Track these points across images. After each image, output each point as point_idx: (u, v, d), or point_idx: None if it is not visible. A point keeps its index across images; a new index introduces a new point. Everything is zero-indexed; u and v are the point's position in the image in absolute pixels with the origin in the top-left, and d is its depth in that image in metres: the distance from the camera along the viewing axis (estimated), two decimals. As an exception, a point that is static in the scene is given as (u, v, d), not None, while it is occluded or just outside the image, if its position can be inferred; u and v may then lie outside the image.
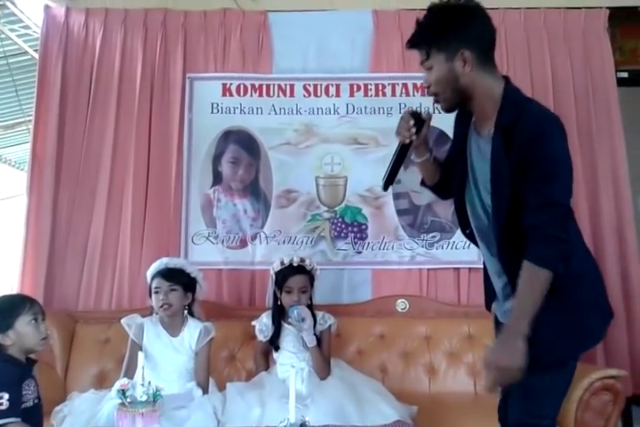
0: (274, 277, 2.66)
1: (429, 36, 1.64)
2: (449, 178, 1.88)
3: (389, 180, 1.81)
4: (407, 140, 1.76)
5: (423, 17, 1.67)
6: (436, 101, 1.72)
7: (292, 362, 2.50)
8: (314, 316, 2.57)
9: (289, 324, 2.59)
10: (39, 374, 1.97)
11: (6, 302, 1.94)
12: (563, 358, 1.64)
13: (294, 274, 2.58)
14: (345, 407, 2.14)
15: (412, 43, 1.69)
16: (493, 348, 1.56)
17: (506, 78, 1.70)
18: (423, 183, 1.98)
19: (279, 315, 2.62)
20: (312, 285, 2.64)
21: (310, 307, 2.60)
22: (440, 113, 1.83)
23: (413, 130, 1.74)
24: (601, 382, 2.34)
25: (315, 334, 2.52)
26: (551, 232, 1.53)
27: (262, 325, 2.63)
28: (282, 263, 2.63)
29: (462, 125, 1.80)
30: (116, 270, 3.12)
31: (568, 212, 1.58)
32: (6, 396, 1.71)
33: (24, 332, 1.84)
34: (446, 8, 1.64)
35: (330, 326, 2.61)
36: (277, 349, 2.58)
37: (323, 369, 2.45)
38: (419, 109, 1.81)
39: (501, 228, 1.66)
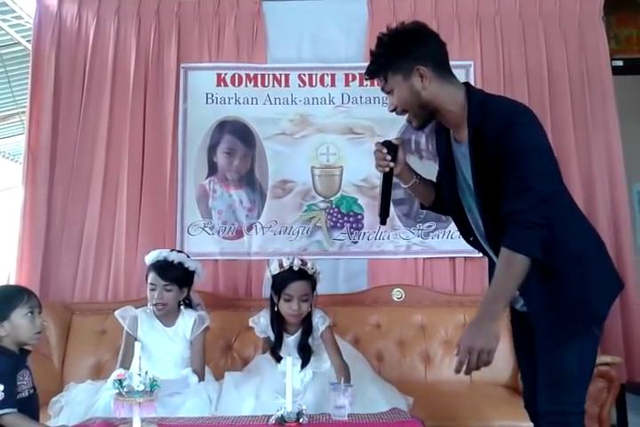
0: (270, 280, 2.43)
1: (382, 61, 1.70)
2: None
3: (384, 212, 1.84)
4: (387, 169, 1.79)
5: (374, 46, 1.73)
6: (409, 121, 1.77)
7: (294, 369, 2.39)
8: (310, 327, 2.38)
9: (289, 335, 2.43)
10: (36, 365, 1.97)
11: (3, 292, 1.93)
12: (567, 338, 1.66)
13: (294, 280, 2.34)
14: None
15: (370, 72, 1.76)
16: (467, 331, 1.58)
17: (467, 84, 1.76)
18: (422, 206, 2.03)
19: (278, 323, 2.42)
20: (314, 290, 2.42)
21: (309, 314, 2.40)
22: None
23: (389, 157, 1.77)
24: (596, 368, 2.34)
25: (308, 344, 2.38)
26: (527, 218, 1.55)
27: (261, 326, 2.49)
28: (280, 266, 2.39)
29: (444, 141, 1.84)
30: (111, 262, 3.12)
31: (546, 196, 1.59)
32: (1, 387, 1.71)
33: (19, 324, 1.83)
34: (392, 34, 1.70)
35: (329, 326, 2.41)
36: (279, 360, 2.39)
37: (347, 377, 2.25)
38: (389, 139, 1.85)
39: (492, 226, 1.69)
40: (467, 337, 1.55)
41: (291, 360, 1.95)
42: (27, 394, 1.81)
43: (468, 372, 1.54)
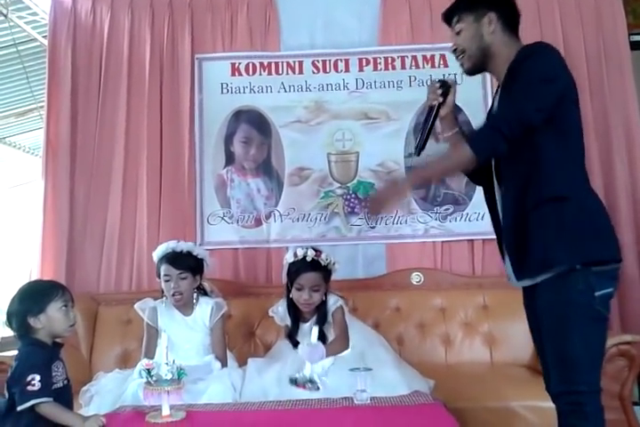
0: (286, 267, 2.50)
1: (462, 2, 1.89)
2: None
3: (421, 145, 1.90)
4: (435, 103, 1.90)
5: None
6: (462, 62, 1.90)
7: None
8: (325, 315, 2.45)
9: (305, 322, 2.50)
10: (64, 355, 2.03)
11: (40, 287, 2.00)
12: (567, 315, 1.69)
13: (307, 271, 2.40)
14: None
15: (447, 11, 1.92)
16: (383, 184, 1.84)
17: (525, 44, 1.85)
18: (474, 180, 2.07)
19: (294, 310, 2.50)
20: (328, 281, 2.47)
21: (324, 303, 2.46)
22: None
23: (439, 91, 1.89)
24: (616, 347, 2.37)
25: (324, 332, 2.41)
26: (495, 123, 1.71)
27: (279, 314, 2.55)
28: (295, 255, 2.45)
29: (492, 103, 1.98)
30: (134, 253, 3.18)
31: (530, 119, 1.68)
32: (37, 377, 1.77)
33: (54, 317, 1.90)
34: None
35: (340, 307, 2.47)
36: (296, 345, 2.43)
37: (340, 351, 2.36)
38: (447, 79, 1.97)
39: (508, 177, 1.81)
40: (381, 190, 1.85)
41: (316, 330, 2.01)
42: (61, 385, 1.87)
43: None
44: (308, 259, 2.43)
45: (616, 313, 2.99)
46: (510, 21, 1.87)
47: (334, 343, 2.40)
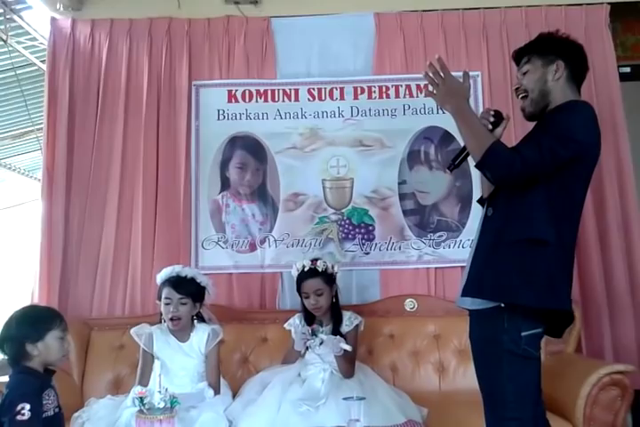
0: (295, 281, 2.70)
1: (536, 46, 1.96)
2: None
3: (457, 163, 1.95)
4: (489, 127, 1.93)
5: (542, 34, 2.00)
6: (524, 105, 1.95)
7: (316, 362, 2.53)
8: (340, 316, 2.61)
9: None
10: (56, 380, 2.01)
11: (41, 313, 1.99)
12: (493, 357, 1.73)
13: (306, 278, 2.61)
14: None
15: (519, 50, 2.00)
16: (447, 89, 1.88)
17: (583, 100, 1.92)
18: (480, 200, 2.10)
19: (307, 318, 2.64)
20: (331, 283, 2.64)
21: (336, 306, 2.64)
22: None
23: (492, 119, 1.93)
24: (609, 377, 2.37)
25: (343, 335, 2.54)
26: (517, 157, 1.73)
27: (295, 326, 2.66)
28: (297, 269, 2.67)
29: None
30: (128, 277, 3.17)
31: (535, 165, 1.73)
32: (27, 406, 1.76)
33: (51, 346, 1.89)
34: (554, 34, 1.97)
35: (356, 326, 2.63)
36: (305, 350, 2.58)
37: (347, 370, 2.47)
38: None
39: None
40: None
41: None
42: (52, 413, 1.86)
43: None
44: (306, 268, 2.63)
45: (609, 343, 3.01)
46: (576, 74, 1.93)
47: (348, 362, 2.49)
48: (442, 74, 1.88)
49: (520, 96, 1.95)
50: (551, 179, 1.76)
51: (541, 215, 1.75)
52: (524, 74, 1.94)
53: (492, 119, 1.92)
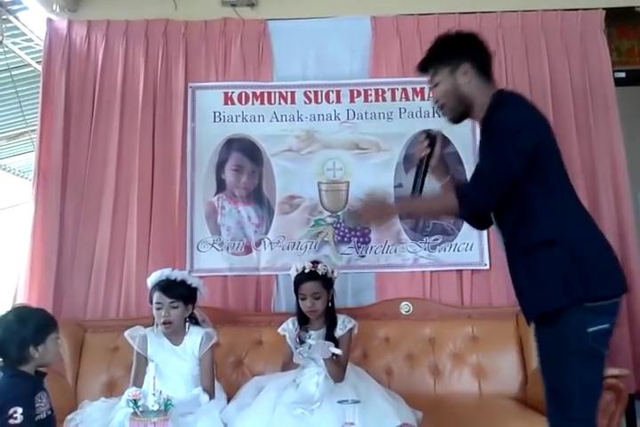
0: (292, 280, 2.69)
1: (436, 56, 1.93)
2: None
3: (416, 189, 1.94)
4: (423, 154, 1.95)
5: (431, 44, 1.96)
6: (444, 114, 1.96)
7: (311, 366, 2.51)
8: (334, 320, 2.60)
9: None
10: (50, 382, 2.01)
11: (42, 318, 1.98)
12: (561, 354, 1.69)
13: (306, 281, 2.59)
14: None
15: (422, 65, 1.96)
16: (371, 198, 1.89)
17: (499, 89, 1.91)
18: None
19: (303, 319, 2.63)
20: (329, 288, 2.64)
21: (331, 310, 2.63)
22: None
23: (425, 143, 1.94)
24: (604, 381, 2.37)
25: (336, 338, 2.54)
26: (486, 180, 1.74)
27: (289, 331, 2.65)
28: (296, 269, 2.65)
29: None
30: (122, 279, 3.16)
31: (513, 172, 1.73)
32: (20, 410, 1.75)
33: (50, 349, 1.90)
34: (448, 36, 1.94)
35: (350, 329, 2.61)
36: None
37: (336, 374, 2.44)
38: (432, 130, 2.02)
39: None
40: (367, 209, 1.90)
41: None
42: (44, 416, 1.85)
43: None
44: (306, 270, 2.61)
45: (603, 346, 3.01)
46: (484, 67, 1.91)
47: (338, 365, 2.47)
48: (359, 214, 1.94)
49: (440, 110, 1.95)
50: (529, 180, 1.75)
51: (540, 215, 1.75)
52: (436, 86, 1.93)
53: (426, 144, 1.94)
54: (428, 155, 1.94)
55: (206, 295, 2.67)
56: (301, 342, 2.52)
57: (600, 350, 1.71)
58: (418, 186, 1.92)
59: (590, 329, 1.68)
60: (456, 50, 1.90)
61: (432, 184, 2.01)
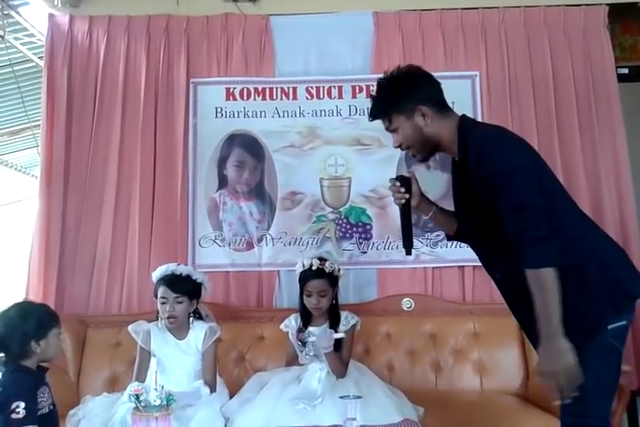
0: (298, 276, 2.69)
1: (385, 104, 1.83)
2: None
3: (408, 243, 1.93)
4: (403, 201, 1.89)
5: (375, 91, 1.88)
6: (413, 155, 1.90)
7: (313, 362, 2.52)
8: (337, 317, 2.60)
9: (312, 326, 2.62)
10: (52, 378, 2.01)
11: (44, 313, 1.98)
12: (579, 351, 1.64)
13: (313, 278, 2.59)
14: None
15: (373, 115, 1.88)
16: (541, 359, 1.62)
17: (462, 117, 1.85)
18: (448, 237, 2.12)
19: (306, 315, 2.63)
20: (335, 285, 2.64)
21: (334, 307, 2.63)
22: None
23: (403, 190, 1.88)
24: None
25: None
26: (532, 235, 1.61)
27: (291, 328, 2.65)
28: (303, 265, 2.64)
29: (453, 170, 1.94)
30: (124, 275, 3.16)
31: (541, 208, 1.64)
32: (22, 405, 1.75)
33: (52, 344, 1.90)
34: (391, 78, 1.85)
35: (353, 326, 2.62)
36: (304, 344, 2.58)
37: (338, 369, 2.46)
38: (401, 174, 1.98)
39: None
40: (544, 364, 1.60)
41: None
42: (47, 410, 1.85)
43: (563, 396, 1.58)
44: (314, 267, 2.60)
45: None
46: (439, 102, 1.83)
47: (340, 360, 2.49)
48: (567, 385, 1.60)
49: (406, 151, 1.90)
50: None
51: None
52: (395, 131, 1.84)
53: (402, 190, 1.87)
54: (407, 200, 1.88)
55: (210, 290, 2.67)
56: (303, 343, 2.53)
57: (618, 346, 1.69)
58: (408, 234, 1.91)
59: (610, 326, 1.66)
60: (405, 94, 1.80)
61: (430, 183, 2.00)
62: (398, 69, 1.85)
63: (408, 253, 1.95)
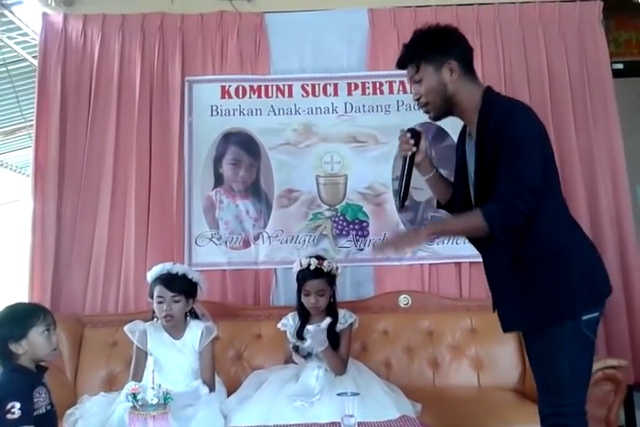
0: (295, 275, 2.67)
1: (418, 51, 1.86)
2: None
3: (404, 197, 1.93)
4: (409, 153, 1.92)
5: (409, 40, 1.91)
6: (426, 111, 1.90)
7: (311, 360, 2.53)
8: (335, 315, 2.60)
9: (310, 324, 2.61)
10: (49, 378, 2.00)
11: (21, 311, 1.95)
12: (552, 340, 1.72)
13: (311, 278, 2.58)
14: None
15: (402, 62, 1.90)
16: (400, 232, 1.82)
17: (488, 87, 1.87)
18: (439, 205, 2.11)
19: (304, 313, 2.63)
20: (333, 284, 2.64)
21: (332, 305, 2.63)
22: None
23: (412, 141, 1.91)
24: (602, 372, 2.38)
25: (337, 332, 2.56)
26: (513, 203, 1.66)
27: (289, 327, 2.65)
28: (300, 264, 2.63)
29: (460, 142, 1.98)
30: (121, 274, 3.15)
31: (536, 186, 1.69)
32: (18, 405, 1.74)
33: (36, 342, 1.87)
34: (429, 30, 1.88)
35: (350, 324, 2.61)
36: (298, 348, 2.58)
37: (336, 367, 2.46)
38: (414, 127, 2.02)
39: None
40: (397, 238, 1.84)
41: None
42: (44, 411, 1.84)
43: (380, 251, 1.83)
44: (312, 267, 2.59)
45: (602, 338, 3.01)
46: (468, 63, 1.86)
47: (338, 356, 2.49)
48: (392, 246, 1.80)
49: (421, 105, 1.89)
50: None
51: (544, 227, 1.74)
52: (419, 82, 1.85)
53: (412, 142, 1.91)
54: (414, 153, 1.92)
55: (206, 289, 2.66)
56: (303, 353, 2.53)
57: (591, 336, 1.75)
58: (405, 187, 1.91)
59: (584, 317, 1.72)
60: (440, 46, 1.83)
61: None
62: (437, 24, 1.88)
63: (401, 206, 1.96)
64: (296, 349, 2.55)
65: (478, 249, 1.94)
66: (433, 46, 1.84)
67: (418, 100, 1.88)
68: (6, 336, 1.85)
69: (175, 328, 2.52)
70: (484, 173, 1.79)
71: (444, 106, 1.85)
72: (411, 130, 1.95)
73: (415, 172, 1.98)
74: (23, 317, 1.90)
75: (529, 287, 1.75)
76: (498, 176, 1.71)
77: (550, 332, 1.73)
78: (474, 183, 1.85)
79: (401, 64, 1.90)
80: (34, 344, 1.86)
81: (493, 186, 1.73)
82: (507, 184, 1.68)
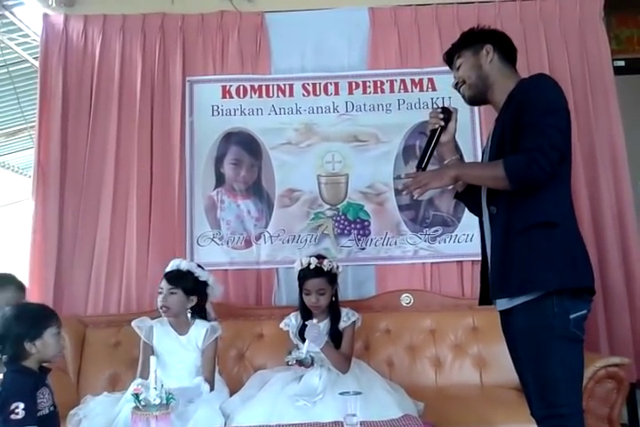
0: (296, 274, 2.67)
1: (460, 43, 1.99)
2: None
3: (424, 164, 1.92)
4: (437, 126, 1.96)
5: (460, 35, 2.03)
6: (464, 92, 1.97)
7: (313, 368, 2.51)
8: (338, 314, 2.60)
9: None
10: (52, 378, 2.00)
11: (38, 311, 1.97)
12: (543, 342, 1.71)
13: (312, 277, 2.58)
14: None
15: (448, 52, 2.02)
16: (426, 172, 1.86)
17: (524, 78, 1.90)
18: (457, 195, 2.12)
19: (303, 313, 2.63)
20: (334, 283, 2.64)
21: (334, 304, 2.63)
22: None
23: (441, 116, 1.96)
24: (605, 370, 2.38)
25: (339, 330, 2.56)
26: (534, 155, 1.68)
27: (292, 327, 2.65)
28: (301, 263, 2.64)
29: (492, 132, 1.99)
30: (123, 274, 3.16)
31: (560, 145, 1.71)
32: (22, 405, 1.75)
33: (49, 343, 1.89)
34: (472, 28, 2.02)
35: (353, 322, 2.61)
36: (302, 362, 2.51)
37: (339, 364, 2.45)
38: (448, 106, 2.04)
39: None
40: (426, 178, 1.83)
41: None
42: (47, 411, 1.85)
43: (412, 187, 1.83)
44: (312, 266, 2.59)
45: (604, 336, 3.02)
46: (507, 54, 1.95)
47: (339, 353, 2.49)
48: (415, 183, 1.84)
49: (460, 87, 1.97)
50: None
51: (548, 197, 1.75)
52: (458, 68, 1.97)
53: (441, 116, 1.96)
54: (440, 128, 1.96)
55: (219, 292, 2.70)
56: (303, 338, 2.51)
57: (580, 334, 1.74)
58: (426, 158, 1.92)
59: (572, 315, 1.72)
60: (480, 36, 1.96)
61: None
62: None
63: (418, 168, 1.95)
64: (300, 363, 2.45)
65: (476, 214, 2.00)
66: (474, 36, 1.97)
67: (456, 84, 1.98)
68: (23, 334, 1.86)
69: (179, 324, 2.55)
70: (502, 146, 1.82)
71: (479, 85, 1.92)
72: (443, 107, 2.01)
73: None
74: (40, 317, 1.92)
75: (516, 255, 1.74)
76: (521, 134, 1.73)
77: (538, 328, 1.72)
78: (490, 153, 1.90)
79: (447, 58, 2.02)
80: (46, 345, 1.88)
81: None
82: (531, 139, 1.71)
